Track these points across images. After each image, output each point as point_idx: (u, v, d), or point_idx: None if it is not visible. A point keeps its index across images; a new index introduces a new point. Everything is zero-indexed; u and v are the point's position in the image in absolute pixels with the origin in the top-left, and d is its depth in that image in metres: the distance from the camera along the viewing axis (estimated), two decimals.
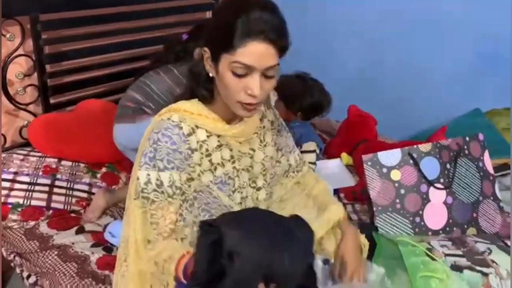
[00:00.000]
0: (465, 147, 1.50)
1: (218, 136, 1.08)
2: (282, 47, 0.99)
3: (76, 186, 1.72)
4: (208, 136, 1.07)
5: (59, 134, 1.80)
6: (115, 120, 1.81)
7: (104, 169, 1.85)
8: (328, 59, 2.54)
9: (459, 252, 1.24)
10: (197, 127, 1.05)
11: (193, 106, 1.07)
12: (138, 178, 1.00)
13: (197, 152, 1.05)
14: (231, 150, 1.11)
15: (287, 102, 2.01)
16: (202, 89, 1.08)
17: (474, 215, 1.47)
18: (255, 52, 0.95)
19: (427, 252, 1.19)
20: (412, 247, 1.18)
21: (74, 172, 1.76)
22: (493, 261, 1.24)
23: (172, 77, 1.78)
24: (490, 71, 2.13)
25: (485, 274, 1.19)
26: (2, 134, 1.85)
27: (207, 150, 1.07)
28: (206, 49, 1.02)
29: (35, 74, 1.92)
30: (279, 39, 0.97)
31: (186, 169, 1.03)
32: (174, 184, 1.01)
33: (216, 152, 1.08)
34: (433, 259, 1.17)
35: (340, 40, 2.53)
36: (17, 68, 1.87)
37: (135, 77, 1.89)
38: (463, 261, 1.21)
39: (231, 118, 1.10)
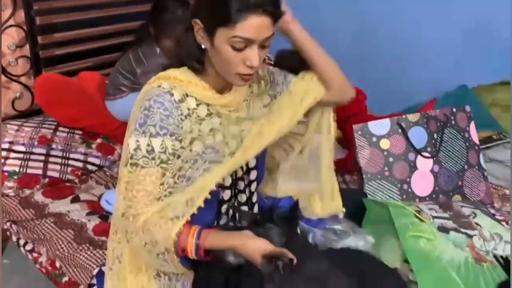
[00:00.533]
0: (452, 118, 1.55)
1: (208, 105, 1.09)
2: (277, 17, 1.01)
3: (71, 156, 1.74)
4: (197, 105, 1.07)
5: (61, 94, 1.83)
6: (106, 97, 1.86)
7: (99, 140, 1.87)
8: (316, 36, 2.56)
9: (446, 215, 1.30)
10: (187, 95, 1.05)
11: (182, 74, 1.06)
12: (128, 145, 1.01)
13: (188, 120, 1.05)
14: (220, 118, 1.10)
15: None
16: (193, 60, 1.07)
17: (460, 183, 1.53)
18: (254, 25, 0.96)
19: (416, 214, 1.24)
20: (401, 208, 1.23)
21: (69, 143, 1.78)
22: (477, 224, 1.29)
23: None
24: (478, 47, 2.17)
25: (470, 236, 1.25)
26: None
27: (197, 117, 1.06)
28: (197, 21, 1.01)
29: (27, 46, 1.91)
30: (275, 10, 0.99)
31: (180, 135, 1.03)
32: (167, 150, 1.00)
33: (206, 121, 1.08)
34: (421, 220, 1.23)
35: (329, 17, 2.54)
36: (9, 39, 1.87)
37: (122, 52, 1.92)
38: (449, 223, 1.26)
39: (221, 88, 1.10)
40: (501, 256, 1.22)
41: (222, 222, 1.15)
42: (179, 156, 1.03)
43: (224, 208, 1.14)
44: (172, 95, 1.02)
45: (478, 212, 1.33)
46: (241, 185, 1.16)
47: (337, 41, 2.53)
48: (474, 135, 1.56)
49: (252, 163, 1.18)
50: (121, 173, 1.04)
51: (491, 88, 2.14)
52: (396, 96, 2.38)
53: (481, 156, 1.57)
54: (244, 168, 1.17)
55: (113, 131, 1.91)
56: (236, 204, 1.16)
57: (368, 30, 2.44)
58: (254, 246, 0.96)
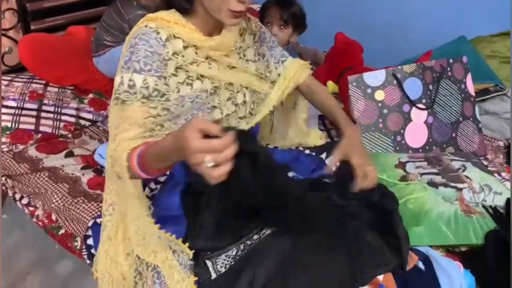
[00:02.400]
0: (448, 69, 1.52)
1: (196, 49, 1.07)
2: None
3: (63, 111, 1.73)
4: (184, 48, 1.05)
5: (47, 54, 1.79)
6: (92, 54, 1.85)
7: (91, 95, 1.86)
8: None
9: (435, 171, 1.30)
10: (174, 36, 1.04)
11: (169, 14, 1.05)
12: (115, 81, 1.00)
13: (174, 61, 1.03)
14: (210, 64, 1.10)
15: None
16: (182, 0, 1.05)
17: (453, 134, 1.52)
18: None
19: (399, 182, 1.25)
20: (385, 183, 1.23)
21: (61, 98, 1.76)
22: (467, 177, 1.30)
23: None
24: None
25: (459, 189, 1.25)
26: None
27: (184, 61, 1.05)
28: None
29: None
30: None
31: (164, 74, 1.02)
32: (150, 86, 0.99)
33: (194, 65, 1.07)
34: (407, 184, 1.23)
35: None
36: None
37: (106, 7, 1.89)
38: (438, 179, 1.27)
39: (210, 31, 1.09)
40: (490, 206, 1.24)
41: None
42: (164, 94, 1.02)
43: None
44: (158, 33, 1.01)
45: (469, 165, 1.34)
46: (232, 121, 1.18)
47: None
48: (471, 86, 1.54)
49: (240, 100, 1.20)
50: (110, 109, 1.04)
51: (490, 39, 2.09)
52: (395, 48, 2.34)
53: (476, 107, 1.55)
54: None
55: (104, 86, 1.89)
56: None
57: None
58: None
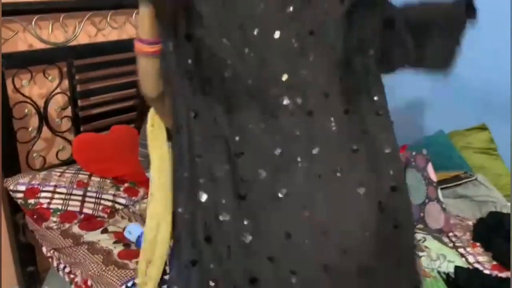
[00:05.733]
0: (412, 160, 1.85)
1: None
2: None
3: (103, 197, 2.12)
4: None
5: (93, 152, 2.23)
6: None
7: (126, 185, 2.25)
8: None
9: None
10: None
11: None
12: None
13: None
14: None
15: None
16: None
17: (422, 214, 1.81)
18: None
19: None
20: None
21: (101, 186, 2.17)
22: (426, 247, 1.58)
23: None
24: (451, 97, 2.49)
25: (419, 257, 1.53)
26: (43, 156, 2.29)
27: None
28: None
29: (69, 108, 2.35)
30: None
31: None
32: None
33: None
34: None
35: None
36: (56, 103, 2.31)
37: None
38: None
39: None
40: (444, 272, 1.49)
41: None
42: None
43: None
44: None
45: (429, 237, 1.62)
46: None
47: None
48: (432, 173, 1.85)
49: None
50: None
51: (464, 133, 2.42)
52: None
53: (439, 190, 1.85)
54: None
55: (138, 178, 2.24)
56: None
57: None
58: None
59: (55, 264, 1.90)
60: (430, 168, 1.85)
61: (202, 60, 0.95)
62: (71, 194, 2.07)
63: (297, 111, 0.95)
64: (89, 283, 1.73)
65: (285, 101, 0.95)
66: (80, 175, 2.18)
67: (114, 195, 2.16)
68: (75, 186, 2.11)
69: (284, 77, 0.94)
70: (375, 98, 1.01)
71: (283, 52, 0.94)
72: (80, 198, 2.07)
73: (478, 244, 1.77)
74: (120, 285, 1.64)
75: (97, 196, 2.12)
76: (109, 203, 2.12)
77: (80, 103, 2.37)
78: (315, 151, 0.95)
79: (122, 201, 2.17)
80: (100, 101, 2.44)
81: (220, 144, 0.97)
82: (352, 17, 0.95)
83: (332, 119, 0.96)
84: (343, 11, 0.94)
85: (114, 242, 1.89)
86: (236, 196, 0.96)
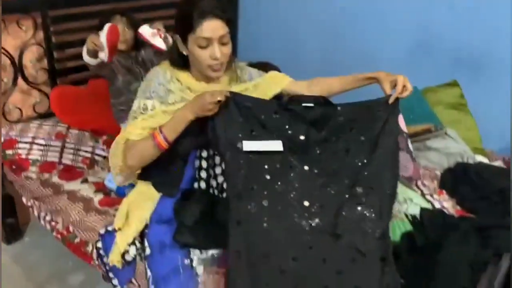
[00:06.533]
0: None
1: (190, 91, 1.51)
2: (227, 20, 1.44)
3: (82, 148, 2.14)
4: (182, 90, 1.51)
5: (71, 104, 2.24)
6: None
7: (105, 137, 2.26)
8: (295, 50, 2.97)
9: None
10: (176, 78, 1.50)
11: (174, 64, 1.53)
12: (134, 105, 1.50)
13: (176, 94, 1.49)
14: None
15: None
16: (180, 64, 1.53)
17: None
18: (210, 27, 1.40)
19: None
20: None
21: (80, 138, 2.18)
22: None
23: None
24: (425, 55, 2.55)
25: None
26: (20, 109, 2.27)
27: (182, 98, 1.50)
28: (177, 36, 1.46)
29: (45, 60, 2.32)
30: (224, 13, 1.42)
31: (166, 102, 1.48)
32: (155, 108, 1.46)
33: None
34: None
35: (304, 35, 2.95)
36: (31, 55, 2.27)
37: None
38: None
39: (205, 81, 1.55)
40: (410, 214, 1.58)
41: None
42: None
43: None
44: (165, 72, 1.50)
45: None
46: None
47: (313, 55, 2.93)
48: (402, 124, 1.91)
49: None
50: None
51: (436, 90, 2.49)
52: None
53: (409, 140, 1.92)
54: None
55: (116, 131, 2.27)
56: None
57: (336, 45, 2.83)
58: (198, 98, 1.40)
59: (35, 213, 1.93)
60: (400, 119, 1.91)
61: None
62: (49, 146, 2.08)
63: None
64: (70, 229, 1.77)
65: None
66: (58, 127, 2.18)
67: (93, 147, 2.18)
68: (53, 138, 2.12)
69: None
70: None
71: None
72: (58, 149, 2.09)
73: (444, 191, 1.86)
74: (101, 228, 1.68)
75: (76, 147, 2.13)
76: (88, 155, 2.14)
77: (56, 55, 2.34)
78: None
79: (101, 152, 2.19)
80: (77, 53, 2.40)
81: None
82: None
83: None
84: None
85: (95, 191, 1.92)
86: None
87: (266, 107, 1.46)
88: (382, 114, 1.46)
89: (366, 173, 1.39)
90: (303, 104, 1.47)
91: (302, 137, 1.44)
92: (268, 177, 1.39)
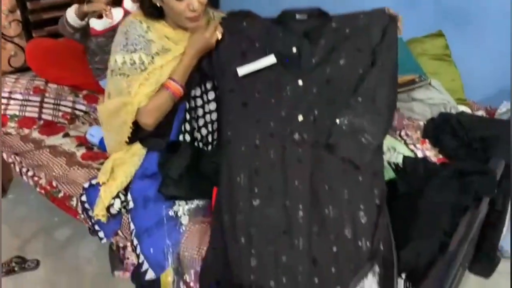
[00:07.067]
0: None
1: (168, 39, 1.46)
2: None
3: (61, 103, 2.09)
4: (160, 38, 1.45)
5: (49, 57, 2.15)
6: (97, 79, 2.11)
7: (85, 92, 2.21)
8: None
9: None
10: (151, 28, 1.44)
11: (147, 15, 1.46)
12: (116, 61, 1.40)
13: (157, 44, 1.43)
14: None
15: None
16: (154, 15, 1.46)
17: None
18: None
19: None
20: None
21: (59, 93, 2.12)
22: None
23: None
24: (411, 6, 2.50)
25: None
26: None
27: (162, 47, 1.44)
28: None
29: (18, 11, 2.22)
30: None
31: (149, 52, 1.42)
32: (144, 62, 1.40)
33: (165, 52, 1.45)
34: None
35: None
36: (3, 5, 2.17)
37: None
38: None
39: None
40: (394, 163, 1.60)
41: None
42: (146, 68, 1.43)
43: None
44: (141, 23, 1.43)
45: None
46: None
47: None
48: None
49: None
50: (108, 85, 1.47)
51: (421, 40, 2.47)
52: None
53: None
54: None
55: (96, 87, 2.21)
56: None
57: None
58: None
59: (17, 169, 1.90)
60: None
61: None
62: (27, 101, 2.03)
63: None
64: (54, 184, 1.76)
65: None
66: (36, 82, 2.12)
67: (73, 102, 2.13)
68: (31, 93, 2.06)
69: None
70: None
71: None
72: (37, 104, 2.04)
73: (426, 140, 1.88)
74: (85, 181, 1.66)
75: (56, 102, 2.08)
76: (69, 110, 2.10)
77: (29, 6, 2.24)
78: None
79: (82, 107, 2.15)
80: (52, 4, 2.31)
81: None
82: None
83: None
84: None
85: (77, 146, 1.90)
86: None
87: (258, 26, 1.45)
88: (376, 26, 1.43)
89: (363, 84, 1.37)
90: (297, 17, 1.45)
91: (294, 50, 1.41)
92: (261, 94, 1.39)
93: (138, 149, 1.54)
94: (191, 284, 1.39)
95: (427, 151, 1.81)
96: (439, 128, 1.91)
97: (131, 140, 1.52)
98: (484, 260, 1.83)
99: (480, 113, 2.10)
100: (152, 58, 1.42)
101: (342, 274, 1.18)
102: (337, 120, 1.34)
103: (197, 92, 1.46)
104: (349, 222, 1.23)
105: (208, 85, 1.46)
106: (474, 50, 2.36)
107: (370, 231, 1.23)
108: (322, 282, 1.17)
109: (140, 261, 1.39)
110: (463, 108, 2.13)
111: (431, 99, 2.16)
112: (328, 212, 1.24)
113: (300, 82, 1.39)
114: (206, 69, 1.47)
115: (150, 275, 1.37)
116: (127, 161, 1.53)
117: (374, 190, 1.30)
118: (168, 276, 1.37)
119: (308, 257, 1.20)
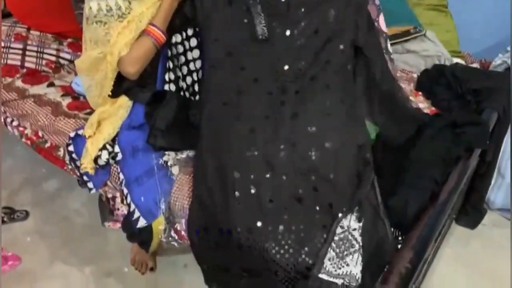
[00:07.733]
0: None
1: None
2: None
3: (45, 51, 2.01)
4: None
5: (32, 3, 2.04)
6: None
7: (69, 40, 2.12)
8: None
9: None
10: None
11: None
12: (90, 8, 1.31)
13: None
14: None
15: None
16: None
17: None
18: None
19: None
20: None
21: (42, 40, 2.04)
22: None
23: None
24: None
25: None
26: None
27: None
28: None
29: None
30: None
31: None
32: (121, 7, 1.32)
33: None
34: None
35: None
36: None
37: None
38: None
39: None
40: None
41: None
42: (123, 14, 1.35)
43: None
44: None
45: None
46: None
47: None
48: (383, 24, 1.85)
49: None
50: (85, 32, 1.38)
51: None
52: None
53: (388, 41, 1.87)
54: None
55: (81, 35, 2.14)
56: None
57: None
58: None
59: (1, 119, 1.85)
60: (381, 19, 1.84)
61: None
62: (9, 48, 1.95)
63: None
64: (40, 134, 1.72)
65: None
66: (17, 28, 2.02)
67: (57, 50, 2.05)
68: (12, 40, 1.98)
69: None
70: None
71: None
72: (20, 52, 1.96)
73: (420, 93, 1.86)
74: (72, 131, 1.63)
75: (39, 50, 2.00)
76: (53, 58, 2.02)
77: None
78: None
79: (67, 56, 2.07)
80: None
81: None
82: None
83: None
84: None
85: (62, 95, 1.84)
86: None
87: None
88: None
89: None
90: None
91: None
92: (247, 44, 1.36)
93: (124, 102, 1.49)
94: (182, 232, 1.39)
95: (420, 104, 1.80)
96: (433, 80, 1.88)
97: (114, 94, 1.47)
98: (471, 211, 1.87)
99: (475, 65, 2.08)
100: (129, 3, 1.34)
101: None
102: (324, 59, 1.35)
103: (178, 38, 1.41)
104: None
105: (190, 31, 1.40)
106: (471, 1, 2.30)
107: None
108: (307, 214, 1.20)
109: (131, 209, 1.38)
110: (458, 60, 2.09)
111: (426, 50, 2.13)
112: (311, 153, 1.23)
113: (288, 32, 1.35)
114: (189, 14, 1.40)
115: (142, 222, 1.36)
116: (113, 114, 1.48)
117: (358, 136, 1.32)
118: (159, 225, 1.36)
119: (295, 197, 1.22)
